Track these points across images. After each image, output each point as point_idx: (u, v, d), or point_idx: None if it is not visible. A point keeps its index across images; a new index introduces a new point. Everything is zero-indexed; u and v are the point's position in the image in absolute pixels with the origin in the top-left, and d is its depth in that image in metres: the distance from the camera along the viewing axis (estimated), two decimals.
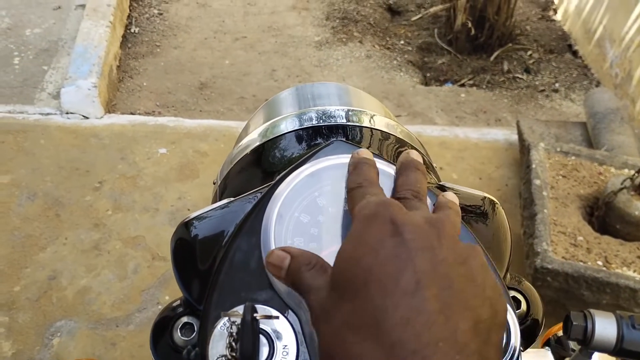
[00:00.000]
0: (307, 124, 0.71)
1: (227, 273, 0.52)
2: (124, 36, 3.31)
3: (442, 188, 0.59)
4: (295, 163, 0.57)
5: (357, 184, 0.50)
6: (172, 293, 2.09)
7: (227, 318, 0.47)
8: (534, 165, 2.08)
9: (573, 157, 2.21)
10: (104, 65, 2.82)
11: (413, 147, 0.73)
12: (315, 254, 0.47)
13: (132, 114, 2.83)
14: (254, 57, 3.34)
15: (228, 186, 0.74)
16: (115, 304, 2.01)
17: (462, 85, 3.18)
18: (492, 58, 3.30)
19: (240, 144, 0.78)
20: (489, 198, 0.61)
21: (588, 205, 2.11)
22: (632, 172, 2.04)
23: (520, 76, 3.23)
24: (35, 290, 2.02)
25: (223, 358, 0.45)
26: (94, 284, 2.05)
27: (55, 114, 2.65)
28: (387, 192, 0.54)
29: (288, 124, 0.73)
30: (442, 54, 3.36)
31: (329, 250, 0.52)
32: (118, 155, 2.51)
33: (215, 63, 3.27)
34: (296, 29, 3.58)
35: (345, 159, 0.55)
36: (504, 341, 0.48)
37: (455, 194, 0.59)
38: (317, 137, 0.70)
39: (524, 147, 2.34)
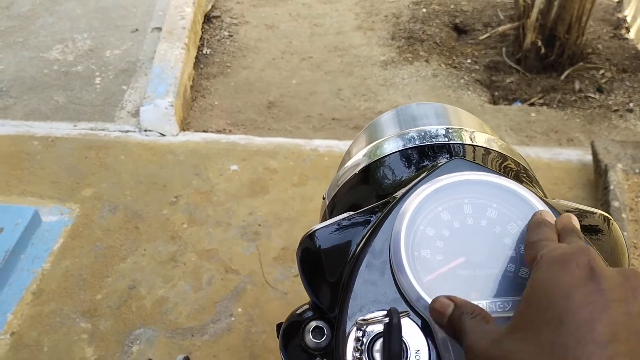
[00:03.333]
0: (410, 145, 0.74)
1: (359, 283, 0.54)
2: (196, 57, 3.44)
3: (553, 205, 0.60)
4: (417, 179, 0.60)
5: (537, 239, 0.51)
6: (244, 305, 2.14)
7: (357, 325, 0.50)
8: (612, 187, 2.04)
9: None
10: (180, 85, 2.94)
11: (514, 160, 0.74)
12: (477, 305, 0.48)
13: (204, 131, 2.93)
14: (320, 77, 3.40)
15: (337, 204, 0.77)
16: (191, 314, 2.07)
17: (532, 104, 3.15)
18: (562, 77, 3.25)
19: (346, 165, 0.81)
20: (602, 214, 0.63)
21: None
22: None
23: (592, 95, 3.16)
24: (116, 299, 2.11)
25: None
26: (171, 294, 2.12)
27: (134, 131, 2.77)
28: (503, 205, 0.56)
29: (391, 145, 0.76)
30: (511, 72, 3.33)
31: (454, 263, 0.54)
32: (193, 171, 2.61)
33: (282, 82, 3.35)
34: (362, 49, 3.63)
35: (465, 175, 0.58)
36: None
37: (568, 211, 0.60)
38: (422, 156, 0.72)
39: (599, 168, 2.29)
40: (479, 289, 0.53)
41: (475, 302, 0.51)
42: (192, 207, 2.45)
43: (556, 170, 2.61)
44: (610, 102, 3.15)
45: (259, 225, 2.42)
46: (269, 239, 2.36)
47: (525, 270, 0.53)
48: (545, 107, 3.13)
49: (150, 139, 2.73)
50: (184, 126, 2.93)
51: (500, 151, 0.74)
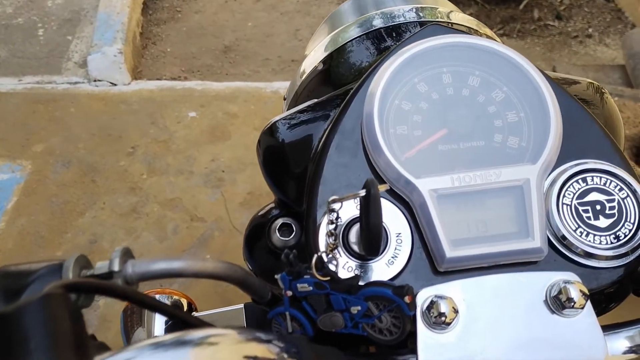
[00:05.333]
0: (374, 27, 0.67)
1: (328, 167, 0.48)
2: (144, 3, 3.26)
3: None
4: (387, 53, 0.53)
5: None
6: (212, 252, 2.08)
7: (329, 208, 0.44)
8: None
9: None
10: (128, 31, 2.79)
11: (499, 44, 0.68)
12: None
13: (158, 79, 2.80)
14: (276, 18, 3.28)
15: (299, 101, 0.70)
16: None
17: None
18: (521, 6, 3.20)
19: (306, 59, 0.74)
20: (595, 84, 0.58)
21: (634, 145, 2.05)
22: None
23: (551, 23, 3.13)
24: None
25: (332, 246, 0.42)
26: (135, 246, 2.04)
27: (83, 82, 2.62)
28: (487, 71, 0.50)
29: (354, 31, 0.69)
30: (469, 4, 3.26)
31: (435, 137, 0.48)
32: (148, 120, 2.49)
33: (237, 26, 3.21)
34: None
35: (443, 39, 0.51)
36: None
37: (563, 82, 0.55)
38: (389, 38, 0.66)
39: None
40: (464, 161, 0.47)
41: (461, 175, 0.45)
42: (151, 157, 2.35)
43: None
44: (569, 29, 3.12)
45: (223, 171, 2.34)
46: (234, 184, 2.29)
47: (515, 139, 0.48)
48: (505, 38, 3.08)
49: (101, 90, 2.59)
50: (136, 75, 2.79)
51: (483, 32, 0.67)
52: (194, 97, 2.60)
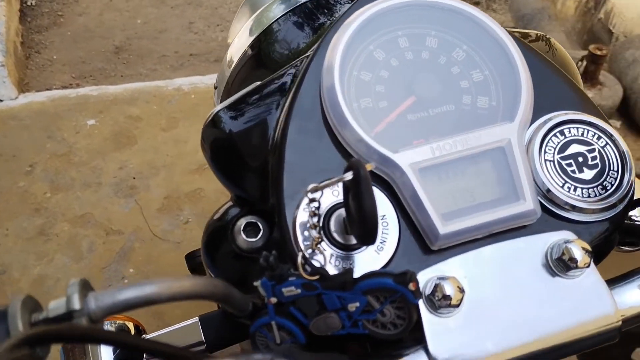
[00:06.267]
0: (299, 2, 0.62)
1: (292, 154, 0.43)
2: (21, 10, 3.00)
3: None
4: (335, 22, 0.49)
5: None
6: (135, 265, 1.96)
7: (306, 199, 0.39)
8: None
9: None
10: (7, 42, 2.55)
11: None
12: None
13: (48, 90, 2.59)
14: (166, 12, 3.14)
15: (234, 87, 0.64)
16: None
17: None
18: None
19: (233, 44, 0.68)
20: (541, 34, 0.56)
21: None
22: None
23: None
24: None
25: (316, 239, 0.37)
26: (49, 271, 1.89)
27: None
28: (443, 30, 0.47)
29: (277, 10, 0.64)
30: None
31: (403, 107, 0.44)
32: (44, 134, 2.30)
33: (126, 24, 3.04)
34: None
35: (392, 1, 0.47)
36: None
37: (512, 33, 0.52)
38: (318, 11, 0.61)
39: None
40: (437, 129, 0.44)
41: (441, 143, 0.42)
42: (52, 173, 2.17)
43: None
44: None
45: (134, 178, 2.21)
46: (148, 190, 2.17)
47: (485, 99, 0.45)
48: None
49: None
50: (23, 88, 2.57)
51: None
52: (90, 104, 2.43)
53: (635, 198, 0.44)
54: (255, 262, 0.45)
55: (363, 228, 0.34)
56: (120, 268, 1.95)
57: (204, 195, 2.15)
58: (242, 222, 0.45)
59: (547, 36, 0.56)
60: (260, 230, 0.45)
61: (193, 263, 0.71)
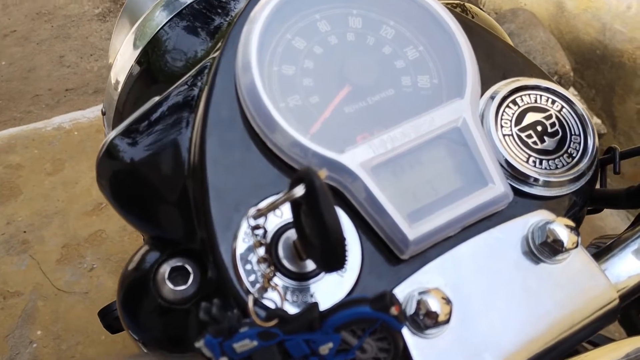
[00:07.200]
0: (184, 4, 0.55)
1: (216, 174, 0.35)
2: None
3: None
4: (237, 16, 0.41)
5: None
6: (42, 325, 1.77)
7: (244, 227, 0.31)
8: None
9: None
10: None
11: None
12: None
13: None
14: (33, 49, 2.91)
15: (126, 109, 0.55)
16: None
17: None
18: None
19: (116, 62, 0.59)
20: (457, 2, 0.52)
21: None
22: None
23: None
24: None
25: (272, 272, 0.30)
26: None
27: None
28: (363, 7, 0.41)
29: (160, 17, 0.56)
30: None
31: (337, 99, 0.38)
32: None
33: None
34: (70, 8, 3.19)
35: None
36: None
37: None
38: (207, 10, 0.54)
39: None
40: (382, 119, 0.37)
41: (391, 134, 0.35)
42: None
43: None
44: None
45: (24, 232, 2.01)
46: (43, 242, 1.98)
47: (425, 77, 0.39)
48: None
49: None
50: None
51: None
52: None
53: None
54: (188, 313, 0.37)
55: (328, 250, 0.27)
56: (25, 332, 1.76)
57: (105, 237, 1.99)
58: (165, 269, 0.36)
59: (462, 2, 0.52)
60: (190, 274, 0.37)
61: (108, 319, 0.61)
